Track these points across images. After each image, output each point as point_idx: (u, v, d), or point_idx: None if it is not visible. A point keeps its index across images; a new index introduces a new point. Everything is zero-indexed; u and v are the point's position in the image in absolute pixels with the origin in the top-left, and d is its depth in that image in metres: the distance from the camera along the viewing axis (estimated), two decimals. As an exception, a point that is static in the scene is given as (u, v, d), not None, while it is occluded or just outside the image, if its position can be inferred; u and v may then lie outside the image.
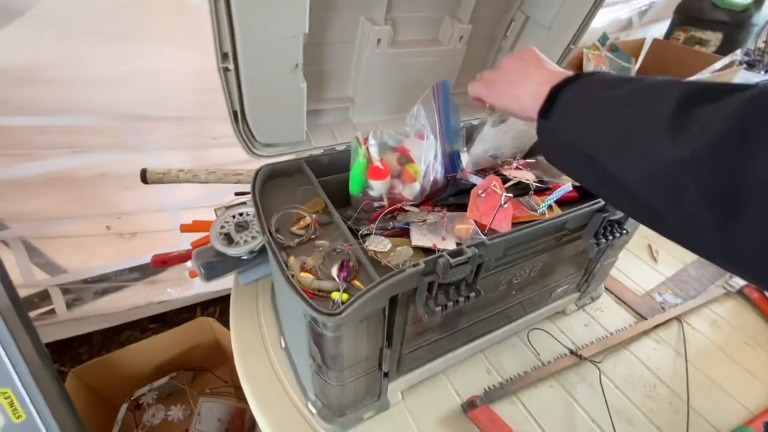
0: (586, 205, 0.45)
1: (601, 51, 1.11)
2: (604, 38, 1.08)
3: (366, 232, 0.43)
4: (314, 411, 0.48)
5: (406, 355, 0.46)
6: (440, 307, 0.37)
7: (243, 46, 0.39)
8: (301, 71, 0.45)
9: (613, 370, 0.57)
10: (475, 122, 0.66)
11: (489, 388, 0.52)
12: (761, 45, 1.52)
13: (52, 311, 1.10)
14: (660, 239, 0.82)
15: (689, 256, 0.78)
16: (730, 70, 1.03)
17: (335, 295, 0.36)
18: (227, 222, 0.61)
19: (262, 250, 0.60)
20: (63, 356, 1.28)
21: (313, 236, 0.44)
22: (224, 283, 1.35)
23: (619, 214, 0.47)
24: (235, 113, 0.47)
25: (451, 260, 0.35)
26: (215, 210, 0.63)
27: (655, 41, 1.21)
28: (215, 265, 0.60)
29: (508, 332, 0.58)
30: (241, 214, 0.62)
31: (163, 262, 0.67)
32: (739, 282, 0.71)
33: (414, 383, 0.52)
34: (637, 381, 0.56)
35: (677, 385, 0.55)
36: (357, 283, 0.37)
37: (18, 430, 0.41)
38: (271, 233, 0.42)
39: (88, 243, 0.99)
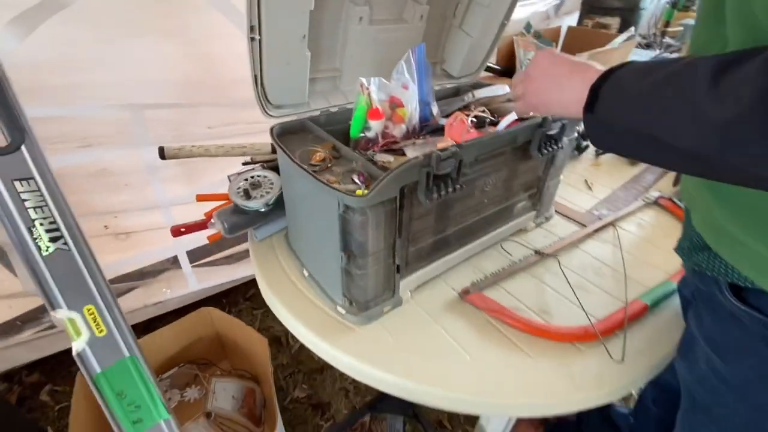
0: (528, 121, 0.60)
1: (527, 37, 1.33)
2: (528, 26, 1.30)
3: (372, 154, 0.56)
4: (343, 311, 0.59)
5: (412, 251, 0.59)
6: (436, 194, 0.50)
7: (266, 18, 0.51)
8: (306, 42, 0.58)
9: (569, 261, 0.72)
10: (436, 88, 0.82)
11: (478, 280, 0.66)
12: (654, 30, 1.84)
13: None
14: (593, 174, 1.01)
15: (617, 183, 0.97)
16: (628, 44, 1.28)
17: (360, 192, 0.48)
18: (243, 183, 0.71)
19: (277, 204, 0.71)
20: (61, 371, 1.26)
21: (329, 165, 0.56)
22: (219, 278, 1.40)
23: (555, 130, 0.63)
24: (255, 77, 0.58)
25: (441, 154, 0.49)
26: (228, 176, 0.73)
27: (570, 28, 1.46)
28: (236, 220, 0.70)
29: (486, 242, 0.72)
30: (253, 177, 0.72)
31: (181, 231, 0.75)
32: (654, 195, 0.91)
33: (419, 284, 0.64)
34: (588, 267, 0.72)
35: (617, 265, 0.72)
36: (373, 184, 0.50)
37: (101, 343, 0.49)
38: (297, 161, 0.53)
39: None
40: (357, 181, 0.50)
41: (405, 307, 0.62)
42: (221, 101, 0.90)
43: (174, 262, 1.23)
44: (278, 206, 0.71)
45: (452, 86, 0.85)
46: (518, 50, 1.32)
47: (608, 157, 1.09)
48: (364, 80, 0.58)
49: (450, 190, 0.52)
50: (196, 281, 1.28)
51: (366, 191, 0.47)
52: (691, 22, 1.67)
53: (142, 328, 1.34)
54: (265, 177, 0.72)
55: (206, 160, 0.76)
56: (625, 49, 1.30)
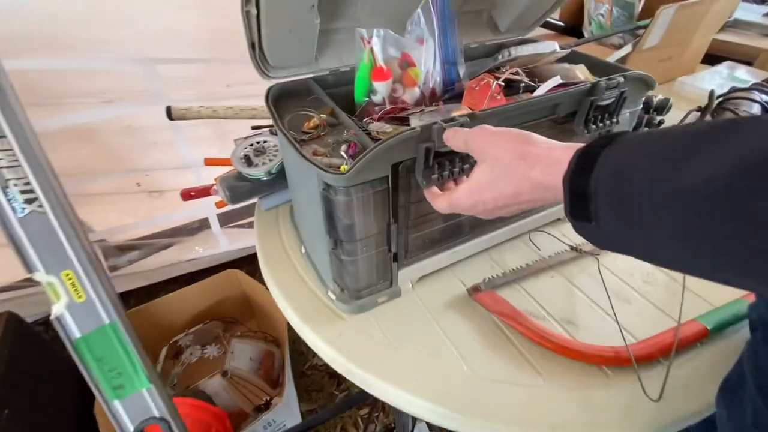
0: (575, 86, 0.47)
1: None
2: None
3: (369, 122, 0.48)
4: (333, 297, 0.53)
5: (413, 239, 0.51)
6: (437, 175, 0.42)
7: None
8: (316, 9, 0.49)
9: (613, 262, 0.60)
10: (474, 45, 0.69)
11: (492, 277, 0.56)
12: None
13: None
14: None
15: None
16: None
17: (344, 168, 0.41)
18: (246, 149, 0.66)
19: (280, 173, 0.66)
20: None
21: (322, 133, 0.48)
22: (250, 241, 1.42)
23: (609, 100, 0.50)
24: (252, 44, 0.51)
25: (445, 125, 0.39)
26: (235, 140, 0.69)
27: None
28: (238, 188, 0.66)
29: (511, 232, 0.62)
30: (258, 142, 0.67)
31: (191, 195, 0.73)
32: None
33: (423, 274, 0.56)
34: (635, 270, 0.59)
35: (675, 273, 0.58)
36: (362, 156, 0.42)
37: (80, 308, 0.48)
38: (283, 129, 0.47)
39: (120, 201, 1.07)
40: (344, 154, 0.43)
41: (403, 299, 0.55)
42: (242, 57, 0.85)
43: (206, 222, 1.26)
44: (283, 175, 0.66)
45: (493, 44, 0.72)
46: (588, 3, 1.11)
47: (688, 137, 0.90)
48: (364, 32, 0.49)
49: (456, 170, 0.42)
50: (227, 242, 1.31)
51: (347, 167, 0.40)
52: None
53: (183, 281, 1.42)
54: (270, 143, 0.67)
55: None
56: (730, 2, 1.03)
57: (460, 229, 0.56)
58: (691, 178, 0.20)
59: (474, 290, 0.55)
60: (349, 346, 0.49)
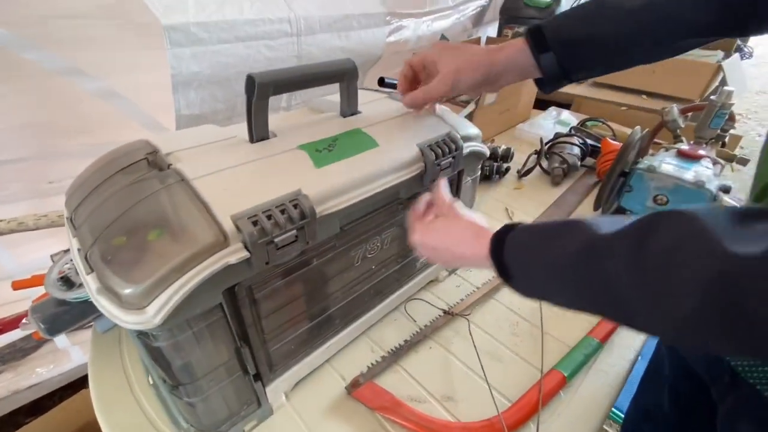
0: (411, 171, 0.49)
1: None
2: (442, 38, 1.22)
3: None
4: (189, 438, 0.45)
5: (275, 351, 0.46)
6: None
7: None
8: None
9: (483, 318, 0.63)
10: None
11: (372, 364, 0.54)
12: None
13: None
14: (515, 200, 0.94)
15: (540, 209, 0.90)
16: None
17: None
18: (66, 266, 0.55)
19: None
20: None
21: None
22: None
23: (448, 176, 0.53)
24: None
25: (277, 242, 0.36)
26: (51, 256, 0.57)
27: (489, 39, 1.40)
28: (58, 316, 0.53)
29: (386, 308, 0.61)
30: (82, 255, 0.56)
31: (-4, 330, 0.58)
32: (575, 222, 0.84)
33: (297, 380, 0.51)
34: (503, 323, 0.62)
35: (535, 318, 0.63)
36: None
37: None
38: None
39: None
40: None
41: (277, 417, 0.49)
42: (61, 151, 0.73)
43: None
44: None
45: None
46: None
47: (532, 178, 1.03)
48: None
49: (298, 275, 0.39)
50: (80, 353, 1.07)
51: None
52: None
53: (25, 414, 1.11)
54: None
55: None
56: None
57: (330, 320, 0.52)
58: (552, 254, 0.31)
59: (353, 386, 0.51)
60: (211, 502, 0.41)
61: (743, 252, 0.21)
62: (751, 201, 0.38)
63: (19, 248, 0.85)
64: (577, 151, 1.04)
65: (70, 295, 0.52)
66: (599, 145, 1.05)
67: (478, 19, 1.63)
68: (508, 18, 1.47)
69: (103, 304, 0.32)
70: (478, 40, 1.42)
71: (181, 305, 0.32)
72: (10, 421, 1.09)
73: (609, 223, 0.29)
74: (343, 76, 0.47)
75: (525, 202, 0.93)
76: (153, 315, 0.31)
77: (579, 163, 1.04)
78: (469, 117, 1.10)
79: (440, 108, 0.56)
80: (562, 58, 0.43)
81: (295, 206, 0.37)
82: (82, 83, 0.70)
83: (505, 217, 0.89)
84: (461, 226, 0.42)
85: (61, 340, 1.02)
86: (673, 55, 0.44)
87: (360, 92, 0.52)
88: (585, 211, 0.90)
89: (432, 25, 1.26)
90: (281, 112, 0.54)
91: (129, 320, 0.31)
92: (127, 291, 0.31)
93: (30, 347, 1.02)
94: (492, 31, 1.62)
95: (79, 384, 1.09)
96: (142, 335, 0.35)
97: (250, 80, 0.39)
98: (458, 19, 1.42)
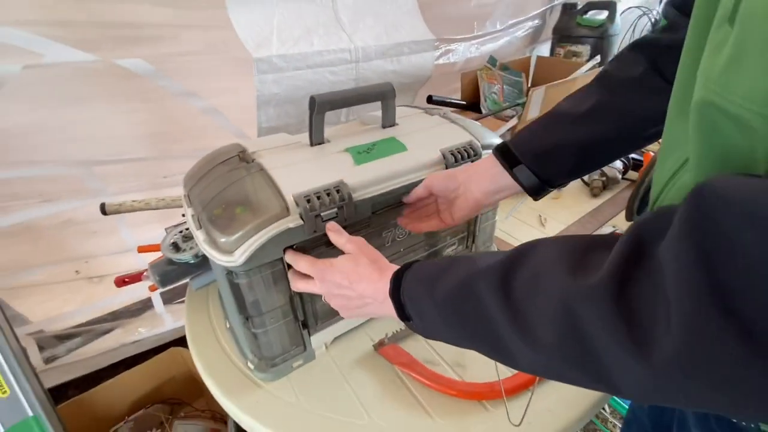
0: (432, 171, 0.60)
1: (493, 70, 1.34)
2: (492, 60, 1.31)
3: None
4: (252, 366, 0.59)
5: (321, 305, 0.59)
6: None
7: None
8: None
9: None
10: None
11: (396, 331, 0.65)
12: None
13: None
14: (550, 208, 0.99)
15: (574, 218, 0.95)
16: (592, 72, 1.27)
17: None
18: (175, 236, 0.74)
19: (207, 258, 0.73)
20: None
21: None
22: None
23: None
24: None
25: (323, 215, 0.49)
26: (165, 228, 0.76)
27: (539, 58, 1.46)
28: (168, 273, 0.72)
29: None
30: (187, 229, 0.75)
31: (125, 281, 0.78)
32: (607, 230, 0.88)
33: (336, 336, 0.64)
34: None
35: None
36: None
37: (4, 403, 0.51)
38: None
39: (58, 290, 1.07)
40: (246, 243, 0.51)
41: (318, 362, 0.62)
42: (173, 154, 0.95)
43: (149, 302, 1.27)
44: (211, 257, 0.73)
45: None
46: (482, 84, 1.33)
47: (571, 189, 1.07)
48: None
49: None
50: (171, 320, 1.31)
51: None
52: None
53: (126, 366, 1.37)
54: (198, 229, 0.75)
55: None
56: (589, 77, 1.28)
57: (364, 292, 0.64)
58: (437, 292, 0.32)
59: (379, 345, 0.62)
60: (266, 413, 0.54)
61: (582, 282, 0.21)
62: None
63: (137, 228, 1.09)
64: (618, 164, 1.06)
65: (177, 257, 0.70)
66: (642, 159, 1.06)
67: (533, 38, 1.70)
68: (560, 37, 1.52)
69: (207, 249, 0.47)
70: (527, 61, 1.48)
71: (256, 253, 0.46)
72: (114, 371, 1.36)
73: (489, 257, 0.30)
74: (382, 96, 0.60)
75: (559, 211, 0.98)
76: (238, 257, 0.45)
77: (620, 176, 1.06)
78: (512, 130, 1.18)
79: (468, 120, 0.67)
80: (534, 167, 0.46)
81: (338, 191, 0.50)
82: (193, 102, 0.91)
83: (537, 224, 0.95)
84: (365, 263, 0.41)
85: (159, 306, 1.26)
86: (654, 141, 0.45)
87: (398, 108, 0.65)
88: (619, 222, 0.93)
89: (480, 48, 1.36)
90: (339, 125, 0.68)
91: (223, 259, 0.46)
92: (223, 240, 0.46)
93: (136, 309, 1.28)
94: (544, 50, 1.67)
95: (169, 344, 1.33)
96: (229, 274, 0.50)
97: (312, 100, 0.54)
98: (509, 41, 1.50)
